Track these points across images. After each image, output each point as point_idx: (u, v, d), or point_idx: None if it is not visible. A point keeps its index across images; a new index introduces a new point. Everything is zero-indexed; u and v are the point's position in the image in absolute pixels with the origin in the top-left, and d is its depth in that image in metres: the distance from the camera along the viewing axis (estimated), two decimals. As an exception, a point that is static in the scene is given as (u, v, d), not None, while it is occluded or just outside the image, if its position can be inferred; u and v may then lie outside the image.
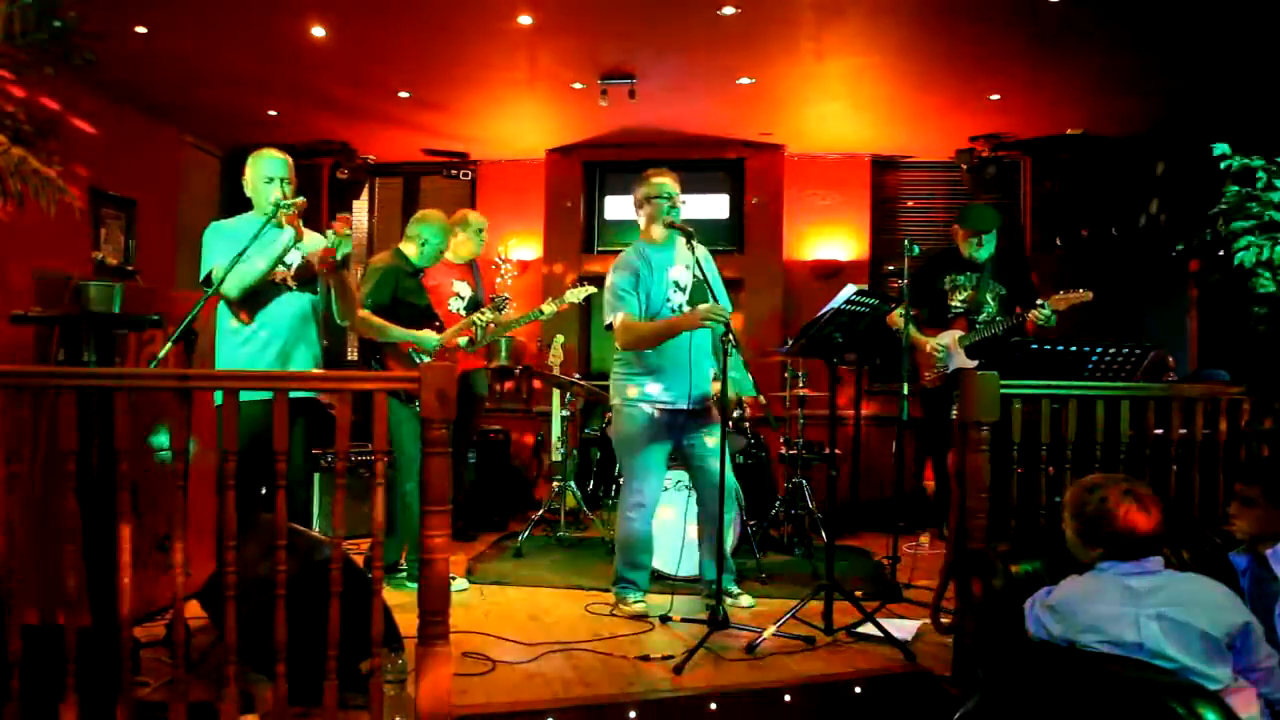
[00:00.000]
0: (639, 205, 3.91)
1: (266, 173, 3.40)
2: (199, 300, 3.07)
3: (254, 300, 3.33)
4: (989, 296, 4.79)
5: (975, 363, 4.59)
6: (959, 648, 2.99)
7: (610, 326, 3.82)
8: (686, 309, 3.83)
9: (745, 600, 3.93)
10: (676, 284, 3.87)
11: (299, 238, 3.34)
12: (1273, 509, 2.53)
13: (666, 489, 4.29)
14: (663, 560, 4.19)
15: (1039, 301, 4.42)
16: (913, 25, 4.64)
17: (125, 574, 2.50)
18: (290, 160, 3.46)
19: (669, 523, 4.21)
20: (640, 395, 3.80)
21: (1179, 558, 2.55)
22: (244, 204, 3.52)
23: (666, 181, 3.86)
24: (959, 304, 4.82)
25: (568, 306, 4.98)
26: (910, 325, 4.56)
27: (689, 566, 4.10)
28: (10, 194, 2.86)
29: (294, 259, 3.40)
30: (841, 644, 3.43)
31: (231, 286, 3.24)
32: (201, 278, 3.36)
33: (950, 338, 4.74)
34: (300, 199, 3.30)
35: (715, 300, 3.64)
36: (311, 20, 4.64)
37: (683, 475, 4.37)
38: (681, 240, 3.89)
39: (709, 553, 3.79)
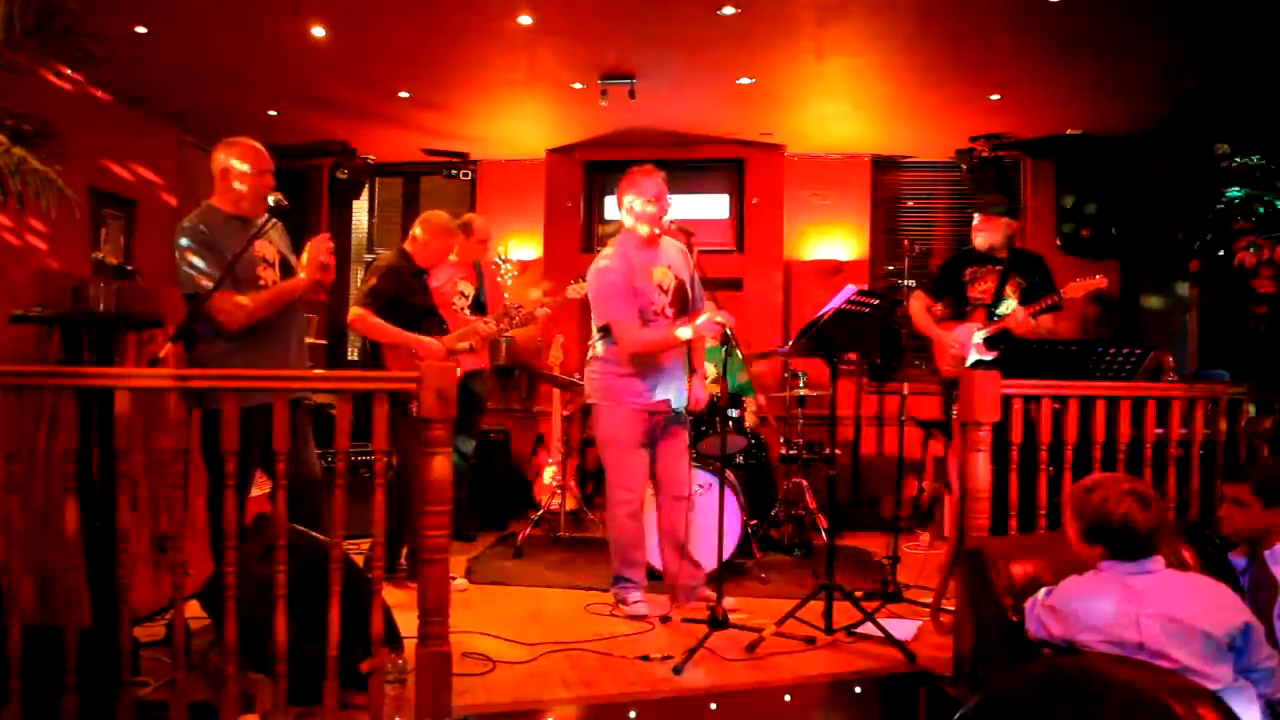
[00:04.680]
0: (625, 204, 3.85)
1: (260, 165, 3.24)
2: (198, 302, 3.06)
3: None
4: (1009, 289, 4.78)
5: (994, 354, 4.58)
6: (959, 648, 3.00)
7: (606, 329, 3.81)
8: (670, 312, 3.83)
9: (728, 601, 3.91)
10: (660, 287, 3.83)
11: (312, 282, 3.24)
12: (1265, 508, 2.54)
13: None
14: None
15: (1051, 301, 4.41)
16: (913, 25, 4.64)
17: (125, 574, 2.51)
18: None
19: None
20: (626, 395, 3.79)
21: (1179, 558, 2.55)
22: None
23: (654, 180, 3.81)
24: (978, 295, 4.81)
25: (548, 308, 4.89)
26: (926, 319, 4.58)
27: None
28: (10, 194, 2.86)
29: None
30: (841, 644, 3.43)
31: (234, 323, 3.08)
32: (188, 293, 3.10)
33: (967, 330, 4.73)
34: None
35: (717, 307, 3.64)
36: (311, 20, 4.64)
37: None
38: (666, 242, 3.89)
39: (670, 547, 3.79)
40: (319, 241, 3.24)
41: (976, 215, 4.86)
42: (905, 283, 4.23)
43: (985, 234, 4.82)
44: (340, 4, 4.49)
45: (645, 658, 3.25)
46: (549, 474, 5.65)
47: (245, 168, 3.22)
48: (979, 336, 4.67)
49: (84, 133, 5.41)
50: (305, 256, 3.23)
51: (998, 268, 4.78)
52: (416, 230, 4.28)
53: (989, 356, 4.54)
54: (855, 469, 6.43)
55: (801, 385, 5.44)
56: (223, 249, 3.08)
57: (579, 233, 7.04)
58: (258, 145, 3.28)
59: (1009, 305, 4.74)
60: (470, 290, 4.82)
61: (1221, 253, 3.10)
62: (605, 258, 3.86)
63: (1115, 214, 6.34)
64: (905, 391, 4.40)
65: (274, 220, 3.21)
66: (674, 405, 3.86)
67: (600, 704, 2.89)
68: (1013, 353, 4.26)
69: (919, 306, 4.68)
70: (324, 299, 3.42)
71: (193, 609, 2.97)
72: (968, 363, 4.59)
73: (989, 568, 2.54)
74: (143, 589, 3.41)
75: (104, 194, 5.64)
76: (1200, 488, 3.33)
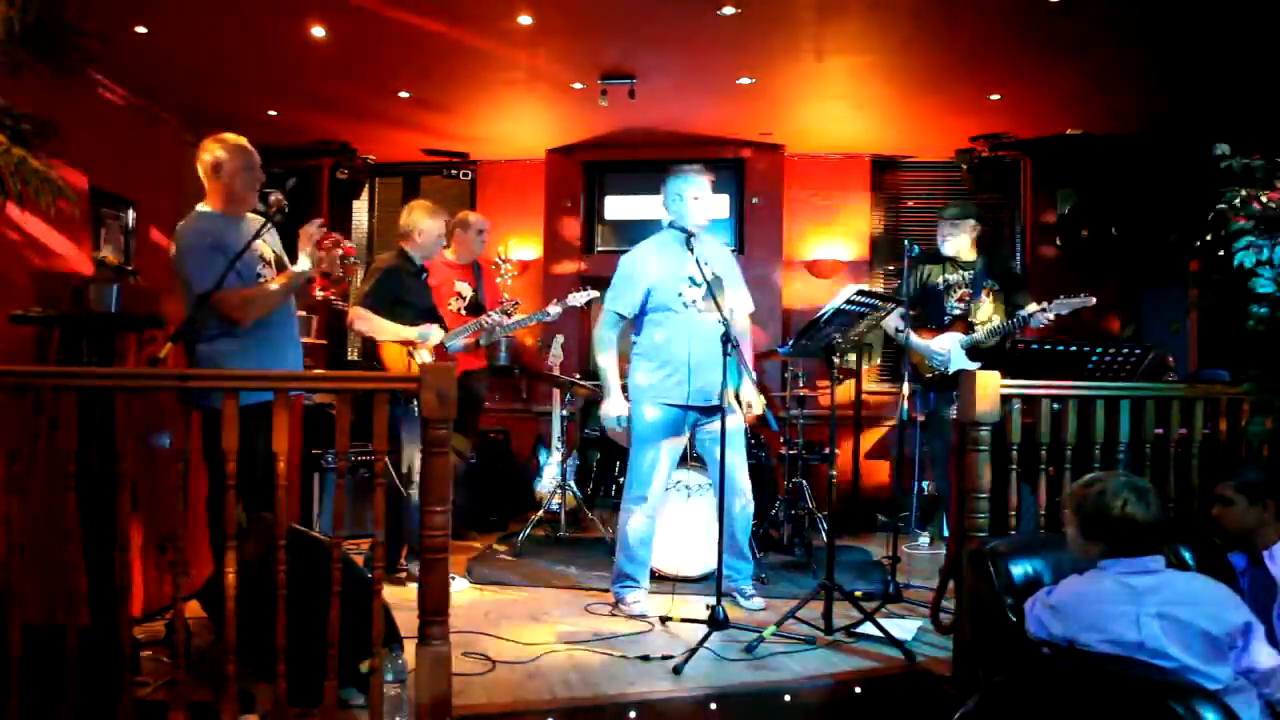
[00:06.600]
0: (669, 197, 3.92)
1: (248, 159, 3.22)
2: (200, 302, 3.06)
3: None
4: (985, 296, 4.78)
5: (977, 365, 4.58)
6: (959, 648, 2.99)
7: (639, 320, 3.92)
8: (700, 304, 3.84)
9: (755, 603, 3.91)
10: (691, 279, 3.84)
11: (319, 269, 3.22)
12: (1249, 505, 2.55)
13: (668, 490, 4.30)
14: (666, 561, 4.19)
15: (1033, 308, 4.42)
16: (913, 25, 4.63)
17: (125, 574, 2.50)
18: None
19: (673, 524, 4.21)
20: (651, 390, 3.83)
21: (1179, 557, 2.56)
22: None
23: (691, 178, 3.88)
24: (956, 304, 4.81)
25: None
26: (908, 327, 4.57)
27: (695, 565, 4.11)
28: (10, 194, 2.86)
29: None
30: (841, 644, 3.43)
31: (247, 317, 3.08)
32: (200, 291, 3.02)
33: (949, 340, 4.73)
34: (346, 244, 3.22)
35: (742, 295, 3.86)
36: (311, 20, 4.64)
37: (684, 476, 4.37)
38: (705, 236, 3.93)
39: (724, 547, 3.80)
40: (309, 228, 3.20)
41: (942, 221, 4.86)
42: (902, 284, 4.21)
43: (952, 240, 4.83)
44: (340, 4, 4.49)
45: (645, 658, 3.25)
46: (549, 474, 5.65)
47: (235, 164, 3.21)
48: (961, 345, 4.67)
49: (84, 132, 5.41)
50: (299, 246, 3.23)
51: (968, 273, 4.79)
52: (409, 222, 4.27)
53: (973, 366, 4.54)
54: (855, 468, 6.42)
55: (801, 385, 5.44)
56: (223, 247, 3.07)
57: (579, 233, 7.03)
58: (243, 140, 3.26)
59: (986, 310, 4.75)
60: (468, 291, 4.82)
61: (1221, 253, 3.09)
62: (639, 246, 3.97)
63: (1114, 214, 6.34)
64: (905, 391, 4.39)
65: (269, 224, 3.21)
66: (706, 403, 3.81)
67: (601, 704, 2.89)
68: (1009, 354, 4.26)
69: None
70: (345, 287, 3.40)
71: (193, 609, 2.98)
72: (950, 371, 4.60)
73: (989, 568, 2.54)
74: (143, 589, 3.42)
75: (104, 194, 5.64)
76: (1200, 488, 3.33)
